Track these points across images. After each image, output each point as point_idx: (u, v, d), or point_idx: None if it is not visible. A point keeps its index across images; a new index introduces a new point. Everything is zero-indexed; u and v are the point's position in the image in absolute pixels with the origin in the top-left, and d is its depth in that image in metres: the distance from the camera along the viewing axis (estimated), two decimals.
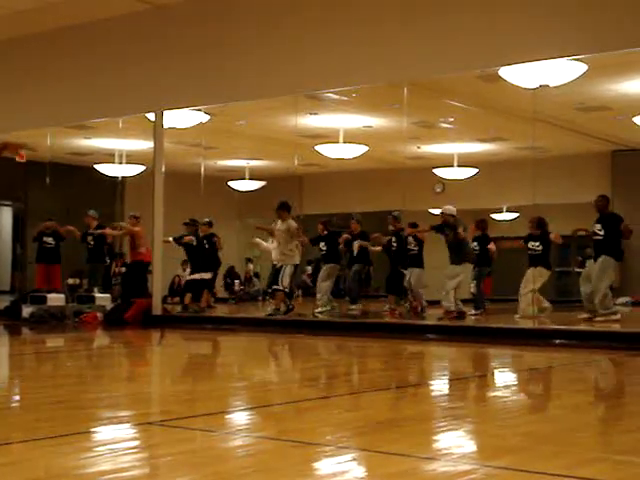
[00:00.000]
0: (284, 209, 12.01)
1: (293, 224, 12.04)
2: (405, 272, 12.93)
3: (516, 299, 12.08)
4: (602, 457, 3.43)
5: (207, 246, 13.90)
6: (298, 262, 12.27)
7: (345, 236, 13.19)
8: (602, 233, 11.02)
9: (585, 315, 11.12)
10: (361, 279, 13.52)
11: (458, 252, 11.95)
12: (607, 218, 11.18)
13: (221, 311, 14.41)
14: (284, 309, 11.98)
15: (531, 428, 4.12)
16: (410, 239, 12.97)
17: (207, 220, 14.08)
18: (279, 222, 12.09)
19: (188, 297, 13.21)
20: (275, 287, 12.03)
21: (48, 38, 13.26)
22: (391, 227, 13.25)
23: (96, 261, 14.21)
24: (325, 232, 13.25)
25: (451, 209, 12.06)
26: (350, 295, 13.50)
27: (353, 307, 13.17)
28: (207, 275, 13.54)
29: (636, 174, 16.49)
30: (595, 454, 3.50)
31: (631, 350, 8.28)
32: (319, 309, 12.70)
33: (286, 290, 11.98)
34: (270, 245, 12.93)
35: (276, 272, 12.09)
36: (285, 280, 11.89)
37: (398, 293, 13.08)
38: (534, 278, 11.86)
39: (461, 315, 11.86)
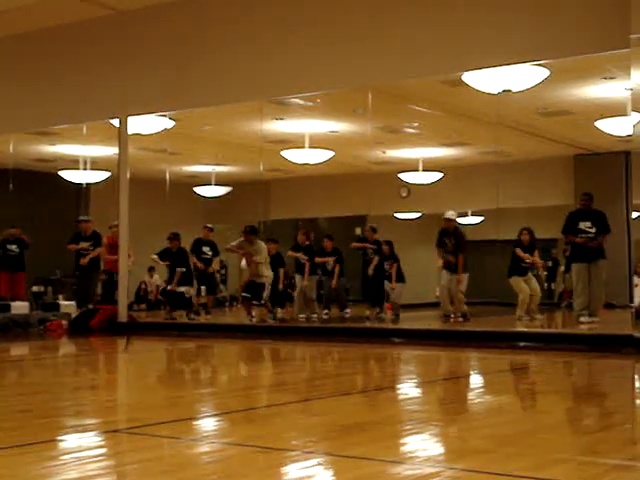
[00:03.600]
0: (254, 233, 12.41)
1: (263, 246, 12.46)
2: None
3: (479, 302, 12.22)
4: (565, 458, 3.47)
5: (211, 252, 14.30)
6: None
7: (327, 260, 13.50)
8: (593, 231, 11.06)
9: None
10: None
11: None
12: (596, 215, 11.18)
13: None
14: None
15: (495, 430, 4.16)
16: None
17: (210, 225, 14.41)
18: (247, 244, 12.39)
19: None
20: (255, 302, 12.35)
21: (10, 43, 13.16)
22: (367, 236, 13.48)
23: (91, 270, 13.92)
24: (307, 243, 13.55)
25: (454, 213, 12.31)
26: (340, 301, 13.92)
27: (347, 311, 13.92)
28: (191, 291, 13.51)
29: (598, 177, 16.68)
30: (558, 455, 3.54)
31: (594, 352, 8.38)
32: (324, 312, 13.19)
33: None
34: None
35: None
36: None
37: (378, 302, 13.22)
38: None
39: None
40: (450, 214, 12.34)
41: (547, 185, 16.42)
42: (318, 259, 13.64)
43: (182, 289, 13.07)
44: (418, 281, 15.91)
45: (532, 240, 12.30)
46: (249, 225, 12.60)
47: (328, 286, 13.77)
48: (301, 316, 13.25)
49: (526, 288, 12.25)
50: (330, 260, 13.66)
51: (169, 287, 13.15)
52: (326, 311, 13.76)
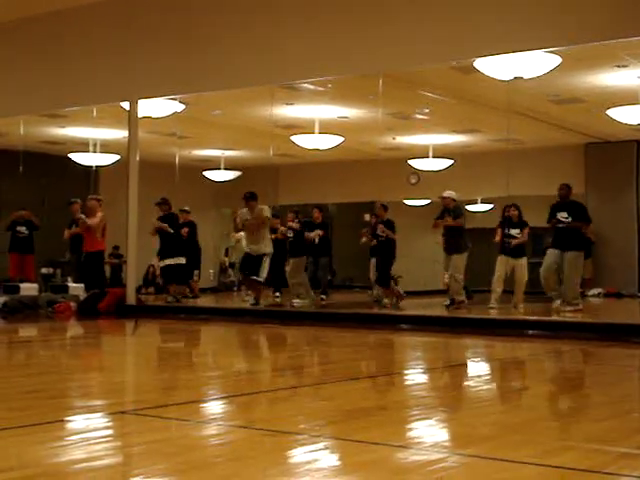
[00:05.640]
0: (254, 199, 12.03)
1: (265, 209, 12.06)
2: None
3: (488, 290, 12.16)
4: (571, 446, 3.46)
5: (187, 233, 14.23)
6: (272, 251, 12.25)
7: (315, 233, 13.21)
8: (569, 220, 11.16)
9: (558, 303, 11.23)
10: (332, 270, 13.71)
11: (459, 239, 12.12)
12: (572, 205, 11.32)
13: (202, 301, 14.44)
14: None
15: (502, 417, 4.16)
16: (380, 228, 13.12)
17: (186, 208, 14.28)
18: (245, 212, 12.08)
19: (173, 287, 13.15)
20: (255, 278, 11.99)
21: (22, 26, 13.15)
22: (374, 218, 13.35)
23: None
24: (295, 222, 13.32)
25: (452, 193, 12.22)
26: (321, 286, 13.65)
27: (324, 297, 13.38)
28: (182, 260, 13.36)
29: (609, 166, 16.64)
30: (564, 443, 3.54)
31: (602, 341, 8.36)
32: (297, 301, 12.86)
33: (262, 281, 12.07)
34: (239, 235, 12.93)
35: (250, 261, 12.02)
36: (264, 272, 11.92)
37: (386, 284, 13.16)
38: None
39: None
40: (447, 193, 12.33)
41: (558, 173, 16.33)
42: (307, 234, 13.21)
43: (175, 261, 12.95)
44: (426, 268, 15.91)
45: (521, 216, 12.15)
46: (248, 191, 12.16)
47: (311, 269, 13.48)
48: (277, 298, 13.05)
49: (500, 270, 12.08)
50: (319, 233, 13.34)
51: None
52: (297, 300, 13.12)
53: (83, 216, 12.95)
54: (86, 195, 13.89)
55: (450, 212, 12.23)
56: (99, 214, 12.92)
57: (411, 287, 14.20)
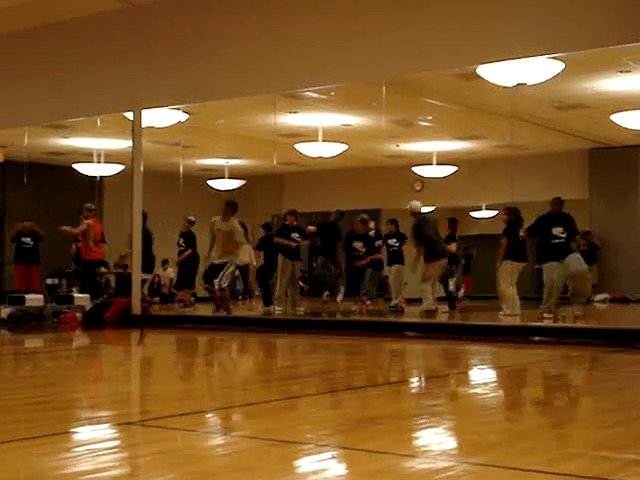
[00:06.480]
0: (233, 208, 12.03)
1: (237, 226, 12.07)
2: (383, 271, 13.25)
3: (494, 297, 12.14)
4: (580, 453, 3.45)
5: (185, 243, 14.28)
6: (241, 263, 12.35)
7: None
8: (564, 236, 10.93)
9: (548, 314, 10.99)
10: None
11: (434, 248, 12.16)
12: (566, 219, 11.10)
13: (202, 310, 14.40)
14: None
15: (509, 425, 4.15)
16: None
17: (191, 218, 14.38)
18: (218, 220, 12.06)
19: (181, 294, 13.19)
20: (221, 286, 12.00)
21: (26, 36, 13.19)
22: (387, 230, 13.62)
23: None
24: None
25: (417, 205, 12.26)
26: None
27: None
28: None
29: (613, 171, 16.63)
30: (573, 450, 3.52)
31: (609, 346, 8.34)
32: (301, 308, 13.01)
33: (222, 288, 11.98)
34: None
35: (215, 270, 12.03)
36: (225, 280, 11.87)
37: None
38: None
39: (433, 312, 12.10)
40: (415, 205, 12.33)
41: (562, 179, 16.36)
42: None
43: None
44: None
45: (517, 220, 11.95)
46: (232, 200, 12.24)
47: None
48: (278, 309, 13.08)
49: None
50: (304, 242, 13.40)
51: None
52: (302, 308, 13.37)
53: (68, 228, 13.27)
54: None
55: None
56: (86, 222, 13.14)
57: (416, 294, 14.18)
